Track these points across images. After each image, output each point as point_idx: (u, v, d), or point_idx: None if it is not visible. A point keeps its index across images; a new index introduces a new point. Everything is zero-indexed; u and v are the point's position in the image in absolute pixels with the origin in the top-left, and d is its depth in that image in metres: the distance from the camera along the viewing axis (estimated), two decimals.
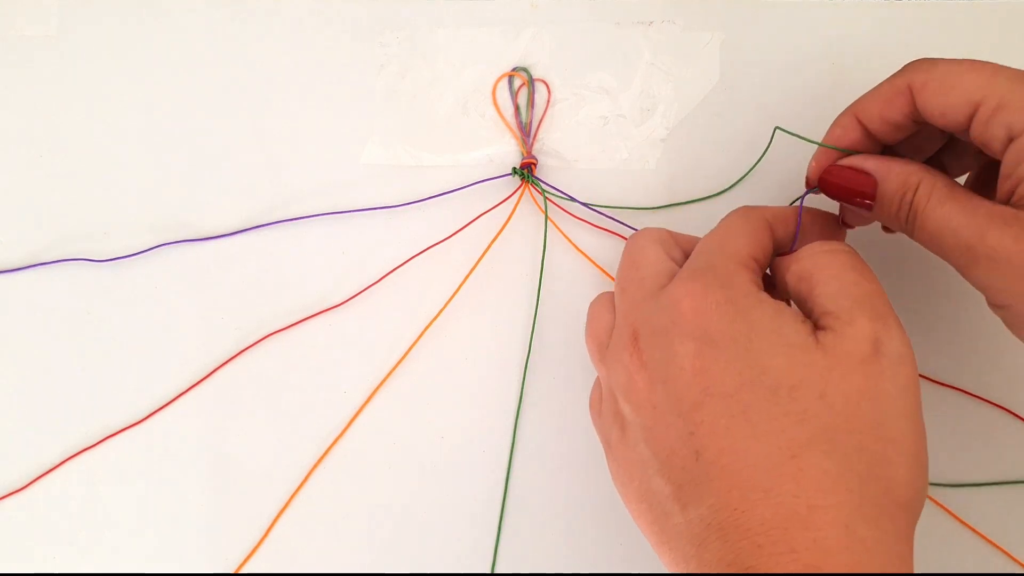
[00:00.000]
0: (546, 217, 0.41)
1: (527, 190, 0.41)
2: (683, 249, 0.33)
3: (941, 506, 0.40)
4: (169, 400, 0.40)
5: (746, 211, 0.33)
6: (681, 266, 0.32)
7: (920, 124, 0.33)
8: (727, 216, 0.33)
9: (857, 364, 0.27)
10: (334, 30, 0.42)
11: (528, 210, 0.41)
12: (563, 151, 0.41)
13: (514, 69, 0.42)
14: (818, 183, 0.34)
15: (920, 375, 0.40)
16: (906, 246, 0.40)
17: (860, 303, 0.28)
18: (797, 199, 0.34)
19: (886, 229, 0.36)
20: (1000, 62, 0.41)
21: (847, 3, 0.42)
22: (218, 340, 0.40)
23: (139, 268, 0.41)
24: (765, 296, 0.29)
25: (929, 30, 0.41)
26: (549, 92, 0.42)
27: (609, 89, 0.42)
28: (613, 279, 0.40)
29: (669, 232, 0.34)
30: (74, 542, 0.39)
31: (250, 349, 0.40)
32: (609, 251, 0.41)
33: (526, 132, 0.41)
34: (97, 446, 0.40)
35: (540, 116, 0.41)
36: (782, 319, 0.28)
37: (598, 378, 0.34)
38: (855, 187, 0.33)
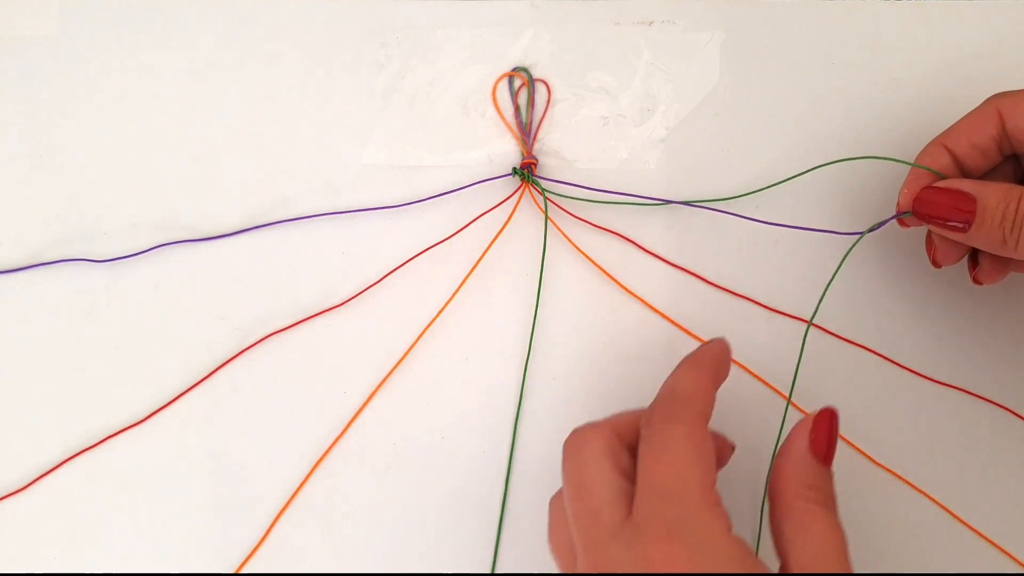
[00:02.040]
0: (546, 217, 0.41)
1: (527, 190, 0.41)
2: (629, 447, 0.31)
3: (940, 505, 0.40)
4: (169, 400, 0.40)
5: (692, 421, 0.30)
6: (631, 476, 0.29)
7: (1005, 154, 0.34)
8: (677, 425, 0.30)
9: None
10: (334, 30, 0.42)
11: (528, 210, 0.41)
12: (563, 151, 0.41)
13: (514, 69, 0.42)
14: (912, 205, 0.35)
15: (920, 375, 0.40)
16: (906, 247, 0.40)
17: (820, 563, 0.28)
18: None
19: (936, 264, 0.37)
20: (1000, 62, 0.41)
21: (847, 3, 0.42)
22: (218, 340, 0.40)
23: (139, 268, 0.41)
24: (739, 550, 0.27)
25: (929, 29, 0.41)
26: (549, 92, 0.42)
27: (609, 89, 0.42)
28: (613, 279, 0.41)
29: (610, 428, 0.31)
30: (74, 542, 0.39)
31: (250, 349, 0.40)
32: (609, 251, 0.41)
33: (526, 132, 0.41)
34: (97, 446, 0.40)
35: (540, 116, 0.41)
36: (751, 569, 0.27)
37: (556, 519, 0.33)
38: (953, 206, 0.34)
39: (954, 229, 0.34)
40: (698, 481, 0.28)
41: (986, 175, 0.36)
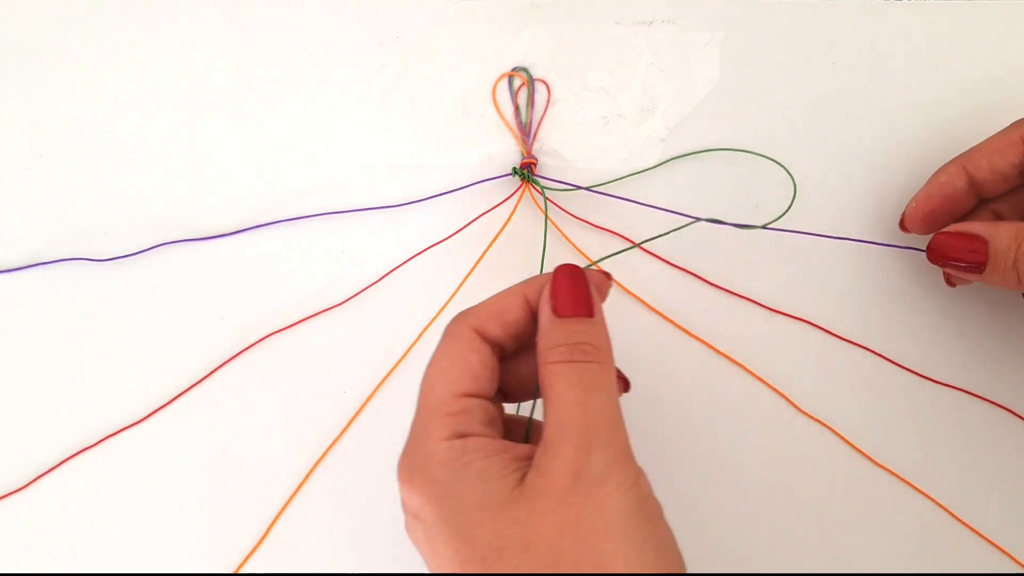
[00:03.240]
0: (546, 217, 0.41)
1: (527, 190, 0.41)
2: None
3: (941, 506, 0.40)
4: (169, 400, 0.40)
5: (453, 325, 0.30)
6: None
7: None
8: (444, 334, 0.30)
9: (556, 502, 0.26)
10: (334, 30, 0.42)
11: (528, 210, 0.41)
12: (563, 151, 0.41)
13: (514, 69, 0.42)
14: (927, 253, 0.36)
15: (920, 375, 0.40)
16: (906, 247, 0.40)
17: (569, 429, 0.26)
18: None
19: (950, 283, 0.38)
20: (1000, 62, 0.41)
21: (847, 3, 0.42)
22: (218, 340, 0.40)
23: (139, 268, 0.41)
24: (468, 459, 0.27)
25: (929, 30, 0.41)
26: (549, 92, 0.42)
27: (609, 89, 0.42)
28: (613, 279, 0.40)
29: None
30: (74, 542, 0.39)
31: (250, 349, 0.40)
32: (609, 251, 0.41)
33: (526, 132, 0.41)
34: (97, 446, 0.40)
35: (540, 116, 0.41)
36: (485, 482, 0.27)
37: None
38: (965, 249, 0.34)
39: (969, 271, 0.35)
40: (435, 397, 0.29)
41: (1004, 196, 0.36)
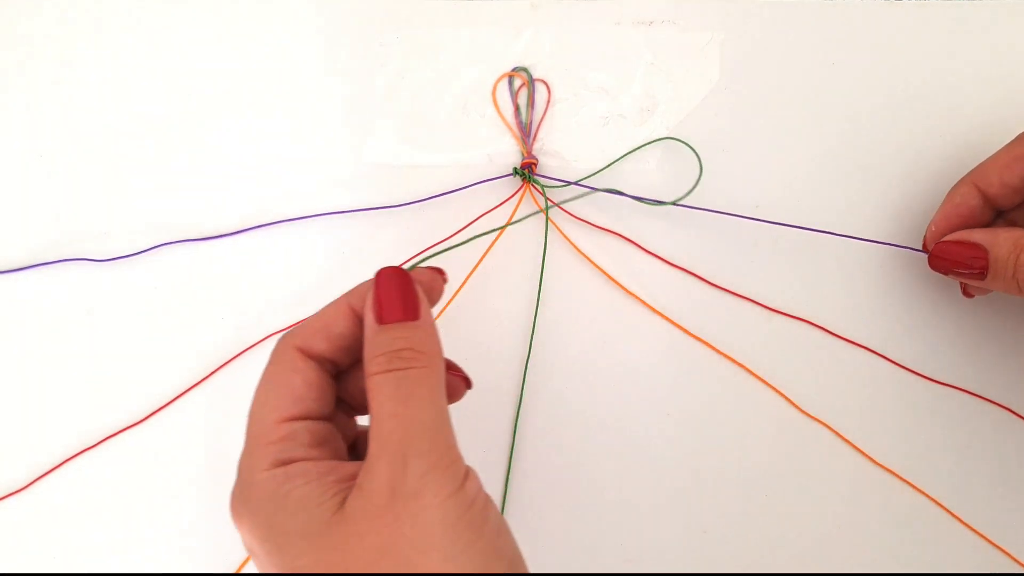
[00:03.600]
0: (547, 218, 0.41)
1: (528, 190, 0.41)
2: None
3: (941, 506, 0.40)
4: (169, 400, 0.40)
5: (276, 347, 0.29)
6: None
7: None
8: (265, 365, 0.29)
9: (373, 522, 0.25)
10: (334, 30, 0.42)
11: (529, 210, 0.41)
12: (563, 151, 0.41)
13: (514, 69, 0.42)
14: (929, 260, 0.37)
15: (920, 375, 0.40)
16: (905, 248, 0.40)
17: (385, 444, 0.26)
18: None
19: (967, 294, 0.38)
20: (999, 62, 0.41)
21: (847, 3, 0.42)
22: (218, 340, 0.40)
23: (139, 268, 0.41)
24: (289, 487, 0.26)
25: (929, 30, 0.41)
26: (549, 92, 0.42)
27: (609, 89, 0.42)
28: (613, 280, 0.41)
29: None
30: (74, 542, 0.39)
31: (250, 349, 0.40)
32: (609, 252, 0.41)
33: (526, 132, 0.41)
34: (97, 446, 0.40)
35: (540, 116, 0.41)
36: (305, 510, 0.26)
37: None
38: (968, 256, 0.35)
39: (971, 278, 0.35)
40: (256, 430, 0.28)
41: (1021, 207, 0.37)
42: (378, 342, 0.28)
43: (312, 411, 0.29)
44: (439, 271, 0.32)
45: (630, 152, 0.41)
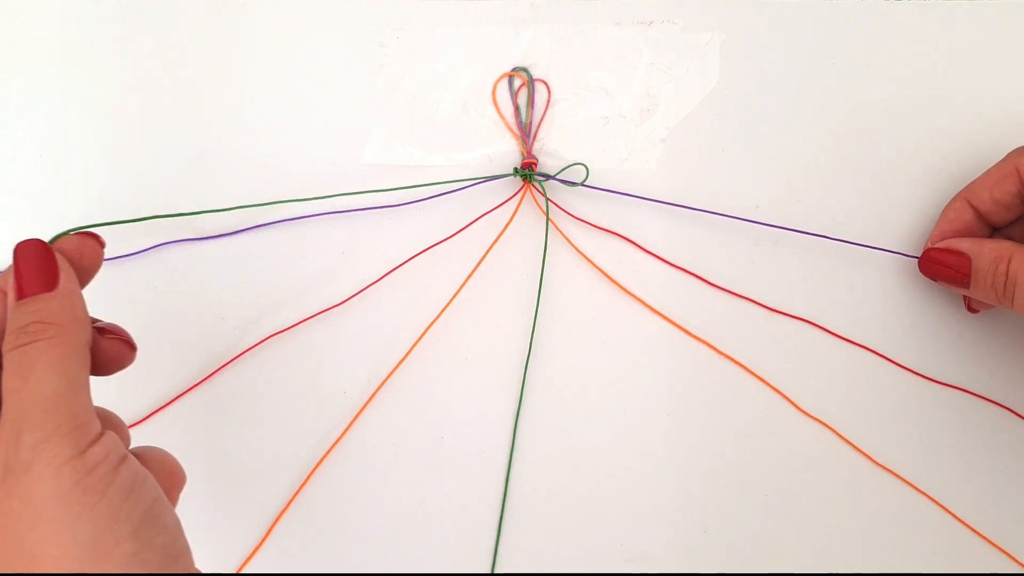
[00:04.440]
0: (547, 218, 0.41)
1: (528, 191, 0.41)
2: None
3: (941, 506, 0.40)
4: (169, 400, 0.40)
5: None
6: None
7: None
8: None
9: None
10: (334, 30, 0.42)
11: (529, 211, 0.41)
12: (563, 151, 0.41)
13: (514, 69, 0.42)
14: (919, 265, 0.38)
15: (920, 375, 0.40)
16: (900, 254, 0.40)
17: (3, 423, 0.25)
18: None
19: (971, 309, 0.39)
20: (999, 62, 0.41)
21: (847, 2, 0.42)
22: (218, 340, 0.40)
23: (139, 268, 0.41)
24: None
25: (929, 30, 0.41)
26: (549, 92, 0.42)
27: (609, 89, 0.42)
28: (613, 280, 0.41)
29: None
30: None
31: (250, 349, 0.40)
32: (610, 252, 0.41)
33: (526, 132, 0.41)
34: None
35: (540, 116, 0.41)
36: None
37: None
38: (951, 266, 0.36)
39: (956, 285, 0.37)
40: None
41: (1015, 223, 0.37)
42: (12, 319, 0.27)
43: None
44: (91, 235, 0.30)
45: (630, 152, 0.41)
